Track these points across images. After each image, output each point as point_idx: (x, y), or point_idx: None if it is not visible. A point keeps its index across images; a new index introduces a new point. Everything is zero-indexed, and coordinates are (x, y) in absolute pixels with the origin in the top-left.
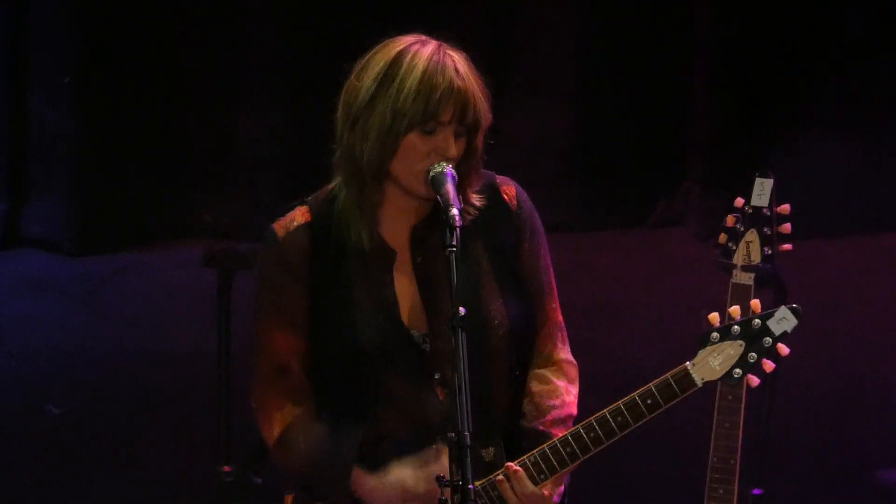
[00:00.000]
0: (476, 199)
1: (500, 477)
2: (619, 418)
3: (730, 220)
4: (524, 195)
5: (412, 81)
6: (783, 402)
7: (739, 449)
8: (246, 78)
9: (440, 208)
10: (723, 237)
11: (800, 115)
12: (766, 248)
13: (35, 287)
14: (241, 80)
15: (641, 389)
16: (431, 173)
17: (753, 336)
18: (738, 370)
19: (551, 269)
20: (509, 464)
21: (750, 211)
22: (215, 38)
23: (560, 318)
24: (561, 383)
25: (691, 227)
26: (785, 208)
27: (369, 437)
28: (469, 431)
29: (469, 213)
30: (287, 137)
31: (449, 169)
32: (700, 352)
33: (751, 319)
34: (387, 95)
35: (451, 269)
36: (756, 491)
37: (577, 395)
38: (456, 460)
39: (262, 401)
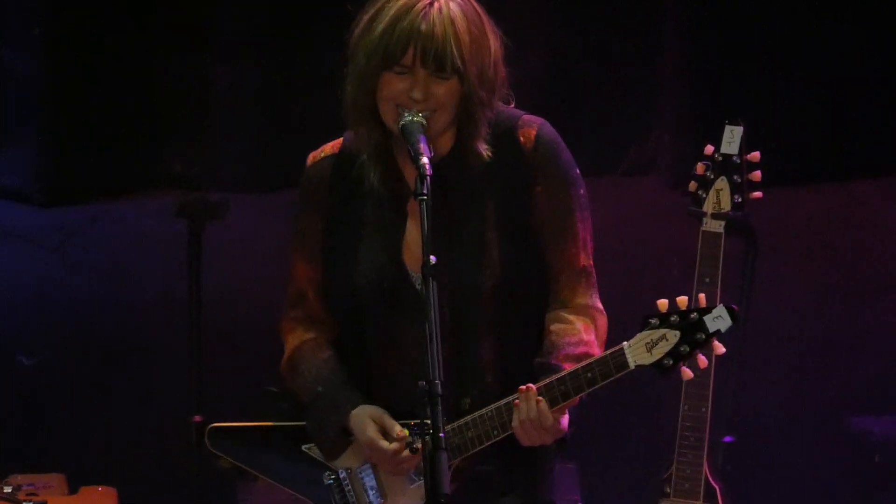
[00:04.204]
0: (483, 150)
1: (517, 400)
2: (563, 388)
3: (700, 167)
4: (547, 137)
5: (382, 24)
6: (753, 350)
7: (710, 397)
8: (218, 26)
9: (410, 157)
10: (693, 185)
11: (769, 62)
12: (736, 196)
13: (5, 238)
14: (214, 29)
15: (584, 363)
16: (401, 122)
17: (689, 328)
18: (669, 359)
19: (578, 214)
20: (530, 385)
21: (720, 159)
22: None
23: (584, 263)
24: (581, 324)
25: (662, 174)
26: (755, 156)
27: (365, 373)
28: (440, 380)
29: (476, 162)
30: (259, 87)
31: (420, 118)
32: (638, 334)
33: (689, 311)
34: (364, 40)
35: (422, 217)
36: (727, 438)
37: (602, 340)
38: (427, 408)
39: (283, 323)
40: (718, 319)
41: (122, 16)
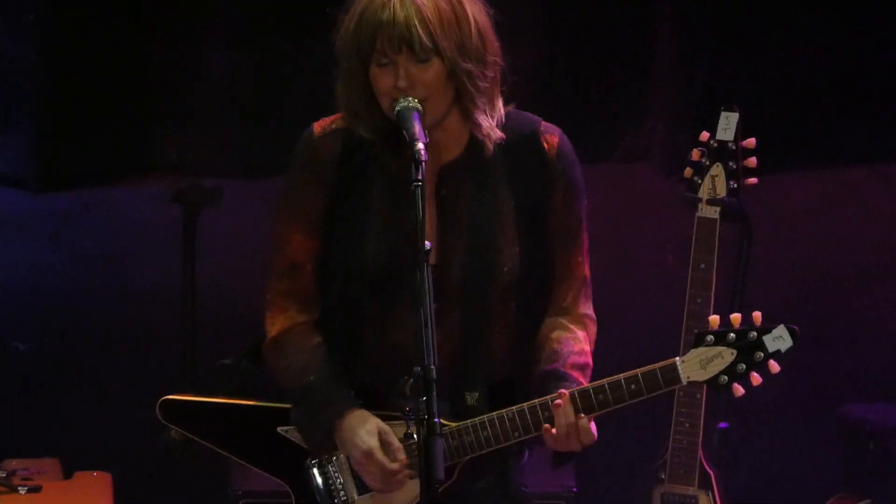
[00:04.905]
0: (493, 131)
1: (559, 401)
2: (601, 396)
3: (695, 154)
4: (567, 147)
5: (353, 23)
6: None
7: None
8: (213, 13)
9: (404, 142)
10: (688, 171)
11: (764, 50)
12: (731, 182)
13: (0, 224)
14: (208, 16)
15: (628, 373)
16: (396, 108)
17: (747, 347)
18: (724, 377)
19: (586, 225)
20: (563, 391)
21: (715, 145)
22: None
23: (587, 273)
24: (581, 333)
25: (656, 161)
26: (750, 142)
27: (353, 352)
28: (435, 366)
29: (490, 144)
30: (253, 74)
31: (415, 104)
32: (692, 350)
33: (748, 331)
34: (343, 41)
35: (416, 204)
36: (722, 425)
37: (591, 349)
38: (422, 394)
39: (271, 297)
40: (779, 340)
41: (117, 2)
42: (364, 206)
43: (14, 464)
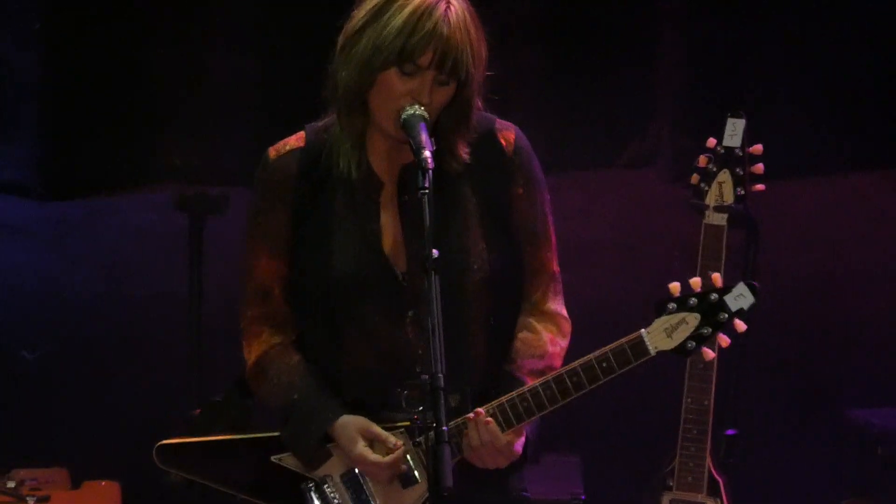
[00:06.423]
0: (464, 152)
1: (467, 422)
2: (575, 378)
3: (702, 160)
4: (524, 142)
5: (398, 19)
6: (756, 343)
7: (713, 390)
8: (217, 20)
9: (412, 150)
10: (695, 178)
11: (770, 55)
12: (738, 189)
13: (5, 232)
14: (213, 23)
15: (598, 352)
16: (403, 115)
17: (710, 310)
18: (691, 342)
19: (550, 219)
20: (479, 410)
21: (722, 151)
22: None
23: (556, 268)
24: (547, 334)
25: (662, 167)
26: (757, 148)
27: (337, 367)
28: (442, 374)
29: (456, 164)
30: (259, 80)
31: (422, 112)
32: (656, 320)
33: (708, 293)
34: (373, 29)
35: (423, 211)
36: (730, 431)
37: (564, 349)
38: (419, 404)
39: (245, 324)
40: (740, 298)
41: (121, 9)
42: (327, 220)
43: (23, 474)
